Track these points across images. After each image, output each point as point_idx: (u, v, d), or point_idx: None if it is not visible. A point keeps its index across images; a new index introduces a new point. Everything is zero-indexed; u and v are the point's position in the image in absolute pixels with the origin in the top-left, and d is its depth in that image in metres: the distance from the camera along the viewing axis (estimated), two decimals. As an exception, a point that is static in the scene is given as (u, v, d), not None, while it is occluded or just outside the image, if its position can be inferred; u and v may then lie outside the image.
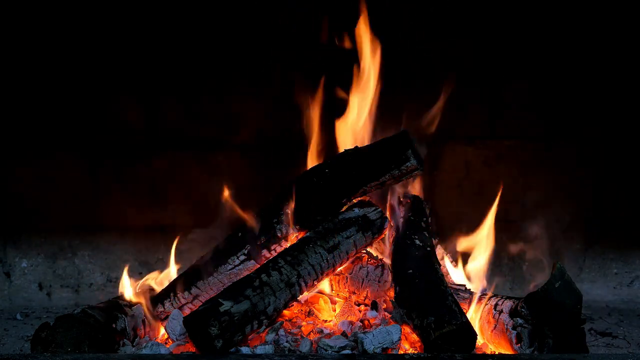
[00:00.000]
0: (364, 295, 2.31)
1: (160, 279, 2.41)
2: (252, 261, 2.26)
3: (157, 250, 3.18)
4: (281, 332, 2.05)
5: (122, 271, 2.37)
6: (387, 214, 2.41)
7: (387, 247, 2.39)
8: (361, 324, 2.15)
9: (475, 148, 3.21)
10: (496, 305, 2.09)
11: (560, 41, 3.12)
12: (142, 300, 2.23)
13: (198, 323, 1.90)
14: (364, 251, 2.35)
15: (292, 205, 2.30)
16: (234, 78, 3.13)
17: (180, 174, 3.17)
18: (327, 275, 2.22)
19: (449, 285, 2.18)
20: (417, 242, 2.26)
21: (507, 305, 2.05)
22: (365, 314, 2.24)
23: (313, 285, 2.19)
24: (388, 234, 2.38)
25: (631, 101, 3.16)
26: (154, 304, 2.27)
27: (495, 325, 2.05)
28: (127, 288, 2.30)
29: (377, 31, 2.56)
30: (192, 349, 2.00)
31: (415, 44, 3.11)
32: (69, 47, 3.08)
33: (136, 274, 3.13)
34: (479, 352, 2.04)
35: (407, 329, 2.06)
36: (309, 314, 2.24)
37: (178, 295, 2.27)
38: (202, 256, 2.35)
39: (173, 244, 2.50)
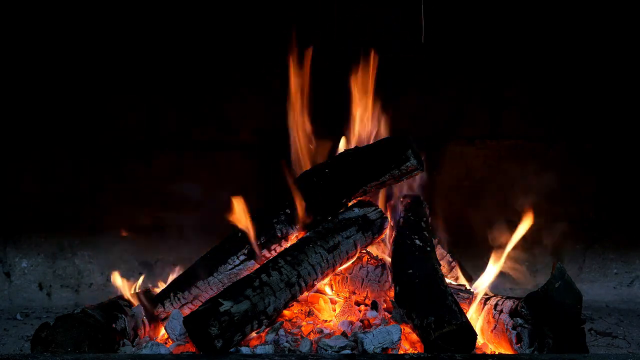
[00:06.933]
0: (364, 295, 2.32)
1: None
2: (252, 261, 2.26)
3: (157, 250, 3.18)
4: (281, 332, 2.05)
5: (124, 271, 2.37)
6: (387, 214, 2.41)
7: (387, 247, 2.39)
8: (361, 324, 2.15)
9: (475, 148, 3.21)
10: (496, 305, 2.09)
11: (561, 42, 3.12)
12: (142, 300, 2.24)
13: (198, 323, 1.90)
14: (364, 251, 2.35)
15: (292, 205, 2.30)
16: (234, 78, 3.13)
17: (180, 174, 3.17)
18: (327, 275, 2.22)
19: (449, 285, 2.18)
20: (417, 242, 2.26)
21: (507, 305, 2.05)
22: (365, 314, 2.24)
23: (313, 285, 2.19)
24: (388, 234, 2.39)
25: (632, 101, 3.16)
26: (154, 304, 2.27)
27: (495, 325, 2.05)
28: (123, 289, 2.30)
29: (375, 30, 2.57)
30: (192, 349, 2.00)
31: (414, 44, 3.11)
32: (70, 49, 3.08)
33: (136, 274, 3.13)
34: (479, 352, 2.04)
35: (407, 329, 2.06)
36: (309, 314, 2.24)
37: (178, 295, 2.27)
38: (202, 256, 2.35)
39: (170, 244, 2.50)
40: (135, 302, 2.24)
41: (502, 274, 3.20)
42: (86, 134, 3.15)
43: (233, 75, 3.13)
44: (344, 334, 2.05)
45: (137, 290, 2.34)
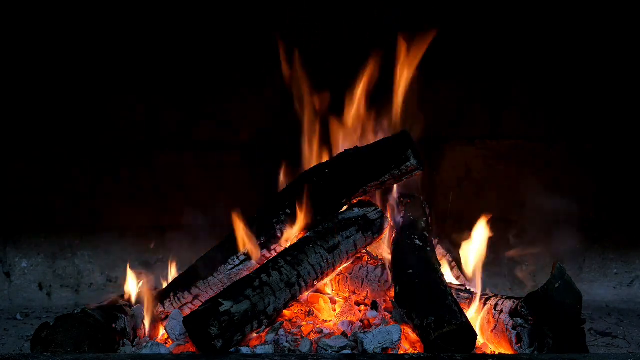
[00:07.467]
0: (364, 295, 2.32)
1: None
2: (252, 261, 2.26)
3: (157, 250, 3.18)
4: (281, 332, 2.05)
5: (125, 270, 2.37)
6: (387, 214, 2.41)
7: (387, 247, 2.39)
8: (361, 324, 2.15)
9: (475, 148, 3.21)
10: (496, 305, 2.09)
11: (561, 42, 3.12)
12: (143, 300, 2.23)
13: (198, 323, 1.90)
14: (364, 251, 2.35)
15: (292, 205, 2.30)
16: (234, 78, 3.13)
17: (180, 174, 3.17)
18: (327, 275, 2.22)
19: (449, 285, 2.18)
20: (417, 242, 2.26)
21: (507, 305, 2.05)
22: (365, 314, 2.24)
23: (313, 285, 2.19)
24: (388, 234, 2.38)
25: (631, 102, 3.16)
26: (154, 304, 2.27)
27: (495, 325, 2.05)
28: (131, 286, 2.30)
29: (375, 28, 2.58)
30: (192, 349, 2.00)
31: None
32: (71, 49, 3.08)
33: (136, 274, 3.13)
34: (479, 352, 2.04)
35: (407, 329, 2.06)
36: (309, 314, 2.24)
37: (178, 295, 2.27)
38: (202, 256, 2.35)
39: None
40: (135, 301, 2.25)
41: (502, 274, 3.22)
42: (86, 134, 3.15)
43: (233, 75, 3.13)
44: (344, 334, 2.05)
45: (137, 291, 2.34)
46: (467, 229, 2.63)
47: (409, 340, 2.06)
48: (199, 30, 3.09)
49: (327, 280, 2.31)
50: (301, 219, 2.29)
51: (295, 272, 2.08)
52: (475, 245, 2.40)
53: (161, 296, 2.30)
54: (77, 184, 3.16)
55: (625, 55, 3.13)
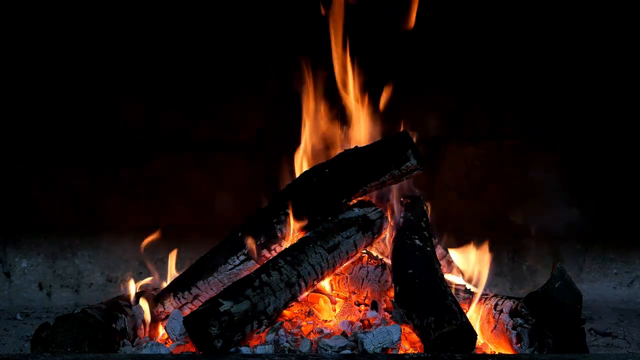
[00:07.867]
0: (364, 295, 2.32)
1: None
2: (252, 261, 2.26)
3: (157, 250, 3.17)
4: (281, 332, 2.05)
5: (124, 271, 2.38)
6: (387, 214, 2.41)
7: (387, 247, 2.39)
8: (361, 324, 2.15)
9: (476, 148, 3.21)
10: (496, 305, 2.09)
11: (561, 43, 3.12)
12: (143, 300, 2.23)
13: (198, 323, 1.90)
14: (364, 251, 2.35)
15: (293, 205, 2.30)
16: (233, 78, 3.13)
17: (180, 174, 3.17)
18: (327, 275, 2.22)
19: (449, 285, 2.18)
20: (417, 242, 2.26)
21: (507, 305, 2.05)
22: (365, 314, 2.24)
23: (313, 285, 2.19)
24: (388, 234, 2.38)
25: (631, 102, 3.16)
26: (154, 304, 2.27)
27: (495, 325, 2.05)
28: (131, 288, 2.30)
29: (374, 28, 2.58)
30: (192, 349, 2.00)
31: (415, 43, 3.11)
32: (71, 49, 3.09)
33: (136, 274, 3.13)
34: (479, 352, 2.04)
35: (407, 329, 2.06)
36: (309, 314, 2.24)
37: (178, 295, 2.27)
38: (202, 256, 2.35)
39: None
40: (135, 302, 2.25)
41: (502, 274, 3.22)
42: (86, 134, 3.15)
43: (233, 75, 3.13)
44: (344, 334, 2.05)
45: (137, 291, 2.34)
46: (466, 228, 2.63)
47: (409, 340, 2.06)
48: (199, 30, 3.09)
49: (327, 280, 2.31)
50: (301, 219, 2.29)
51: (295, 272, 2.08)
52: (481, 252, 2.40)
53: (161, 296, 2.30)
54: (77, 183, 3.16)
55: (627, 57, 3.13)
